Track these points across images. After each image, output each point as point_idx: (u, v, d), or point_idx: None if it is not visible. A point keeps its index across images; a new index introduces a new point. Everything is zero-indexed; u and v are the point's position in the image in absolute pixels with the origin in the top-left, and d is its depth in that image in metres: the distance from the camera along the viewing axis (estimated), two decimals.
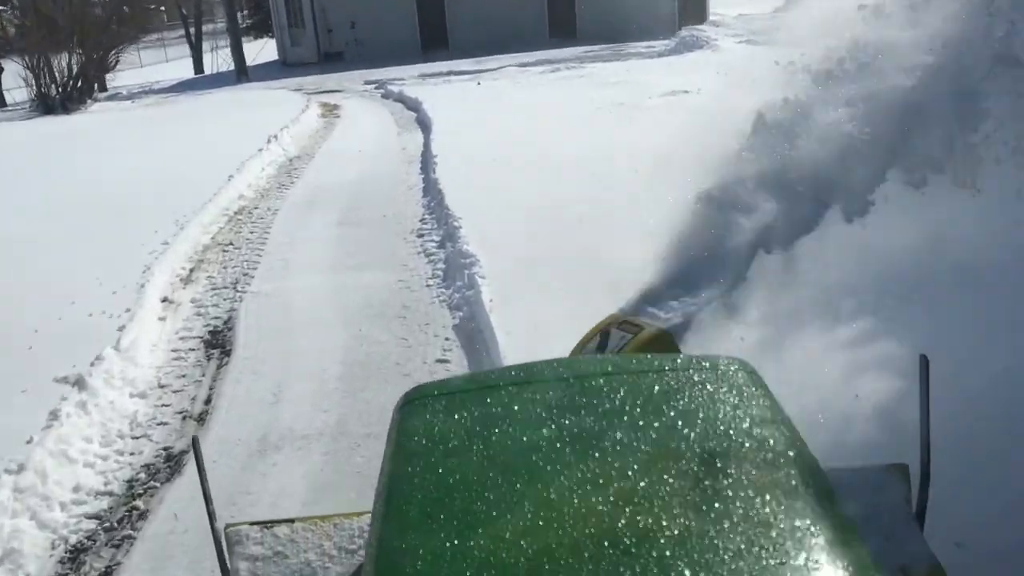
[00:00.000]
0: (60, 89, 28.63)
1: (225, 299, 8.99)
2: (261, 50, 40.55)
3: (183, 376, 7.38)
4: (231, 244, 10.80)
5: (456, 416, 2.64)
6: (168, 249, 9.90)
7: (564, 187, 10.94)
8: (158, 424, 6.63)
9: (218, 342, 8.00)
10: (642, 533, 2.07)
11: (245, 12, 47.40)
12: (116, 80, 39.41)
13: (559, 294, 7.56)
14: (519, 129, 15.03)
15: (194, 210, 11.41)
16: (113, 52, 37.46)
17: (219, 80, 35.29)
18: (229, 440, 6.29)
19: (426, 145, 15.18)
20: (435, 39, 35.49)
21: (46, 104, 28.18)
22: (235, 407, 6.80)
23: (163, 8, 51.76)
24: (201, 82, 36.24)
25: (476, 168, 12.47)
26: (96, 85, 34.04)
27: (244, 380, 7.18)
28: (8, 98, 32.31)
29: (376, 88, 26.83)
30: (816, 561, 2.02)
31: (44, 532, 5.48)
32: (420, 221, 10.89)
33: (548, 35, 35.09)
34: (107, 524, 5.57)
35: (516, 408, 2.63)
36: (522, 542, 2.09)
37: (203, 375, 7.38)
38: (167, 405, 6.92)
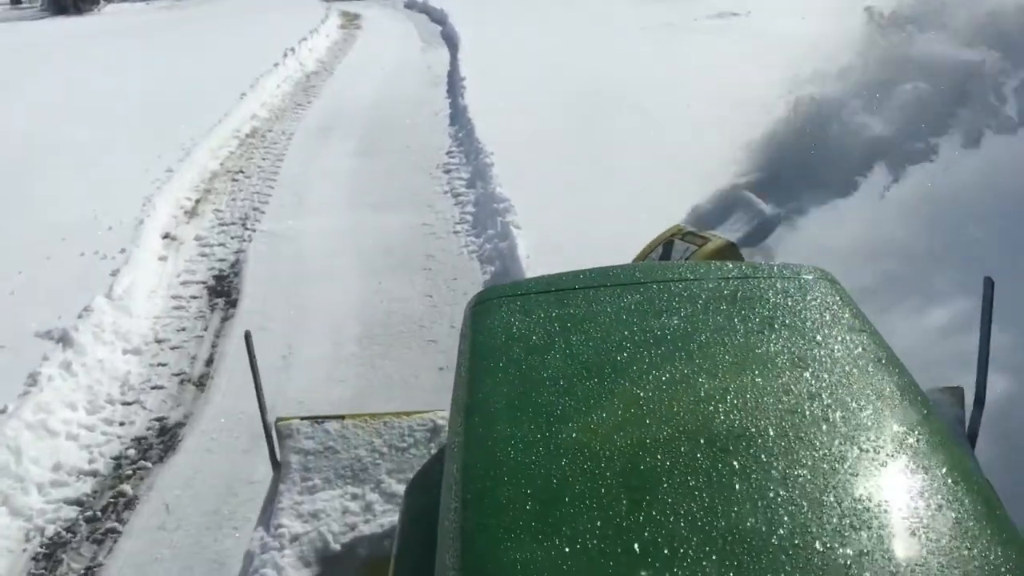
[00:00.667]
0: None
1: (232, 238, 8.15)
2: None
3: (182, 330, 6.58)
4: (241, 172, 9.92)
5: (532, 316, 2.55)
6: (172, 177, 9.04)
7: (610, 123, 9.97)
8: (152, 388, 5.86)
9: (223, 289, 7.19)
10: (737, 432, 1.99)
11: None
12: None
13: (607, 250, 6.68)
14: (557, 49, 13.94)
15: (203, 132, 10.49)
16: None
17: None
18: (232, 412, 5.53)
19: (453, 64, 14.14)
20: None
21: (58, 3, 27.00)
22: (239, 370, 6.01)
23: None
24: None
25: (510, 95, 11.47)
26: None
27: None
28: None
29: None
30: (918, 466, 1.92)
31: (17, 521, 4.75)
32: (447, 154, 9.96)
33: None
34: (89, 513, 4.85)
35: (595, 309, 2.54)
36: (616, 436, 2.01)
37: (205, 329, 6.58)
38: (163, 364, 6.13)
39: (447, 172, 9.37)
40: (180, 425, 5.46)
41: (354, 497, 3.44)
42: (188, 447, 5.27)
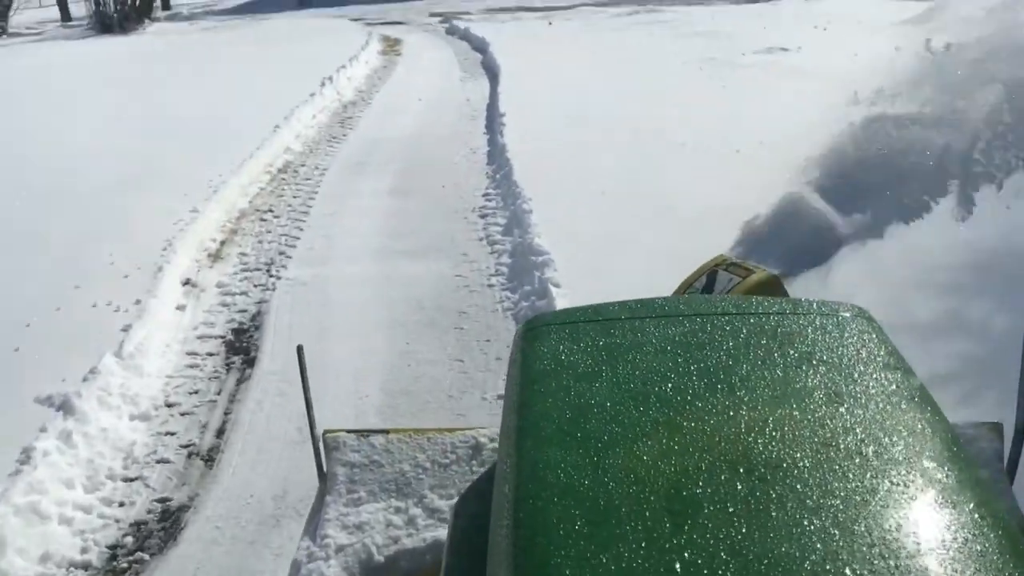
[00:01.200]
0: (118, 7, 27.35)
1: (256, 285, 7.67)
2: None
3: (195, 392, 6.09)
4: (270, 211, 9.46)
5: (581, 344, 2.64)
6: (197, 218, 8.58)
7: (655, 167, 9.41)
8: (158, 462, 5.37)
9: (242, 346, 6.70)
10: (775, 462, 2.08)
11: None
12: None
13: None
14: (596, 83, 13.40)
15: (233, 167, 10.06)
16: None
17: (281, 3, 33.79)
18: (241, 494, 5.02)
19: (492, 97, 13.64)
20: None
21: (103, 23, 26.97)
22: (252, 443, 5.51)
23: None
24: (263, 4, 34.76)
25: (549, 133, 10.93)
26: (159, 1, 32.82)
27: (266, 405, 5.88)
28: (75, 11, 31.16)
29: (441, 22, 25.19)
30: (946, 501, 1.99)
31: None
32: (483, 196, 9.43)
33: None
34: None
35: (641, 339, 2.64)
36: (660, 463, 2.11)
37: (219, 392, 6.09)
38: (172, 433, 5.64)
39: (483, 217, 8.84)
40: (184, 508, 4.96)
41: (397, 511, 3.49)
42: (191, 536, 4.77)
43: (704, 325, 2.69)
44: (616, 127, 10.77)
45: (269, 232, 8.87)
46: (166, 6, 35.97)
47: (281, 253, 8.30)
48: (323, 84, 14.25)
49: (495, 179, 9.87)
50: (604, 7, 24.59)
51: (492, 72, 15.81)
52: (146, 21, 27.78)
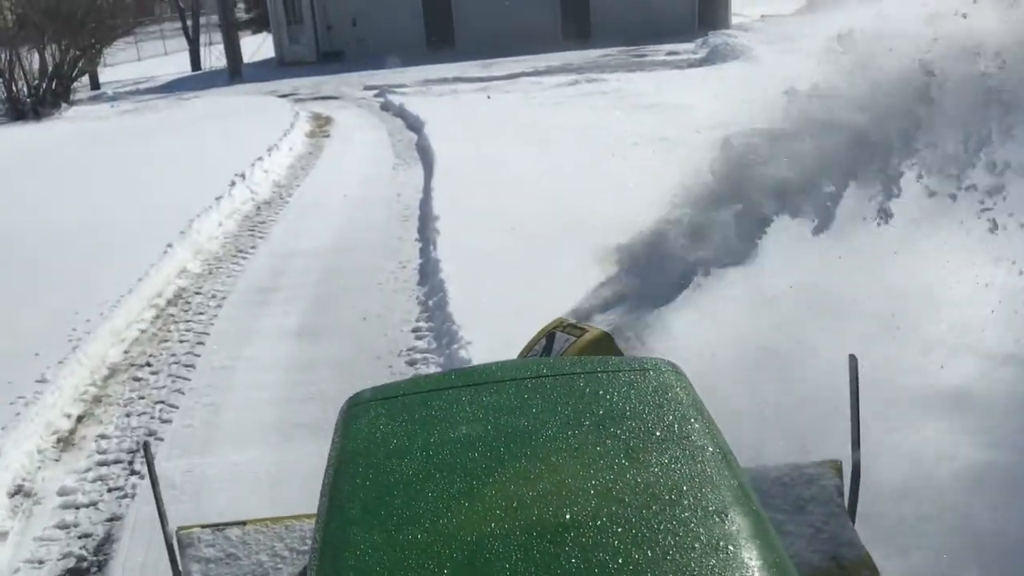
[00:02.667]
0: (32, 92, 25.18)
1: (111, 490, 5.67)
2: (260, 46, 37.08)
3: None
4: (148, 365, 7.44)
5: (398, 419, 2.65)
6: (44, 392, 6.54)
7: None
8: None
9: None
10: (568, 524, 2.15)
11: (242, 6, 43.78)
12: (110, 74, 36.28)
13: None
14: (542, 172, 11.61)
15: (107, 307, 8.03)
16: (101, 47, 34.35)
17: (212, 79, 31.85)
18: None
19: (426, 192, 11.79)
20: (441, 37, 32.02)
21: (16, 108, 24.76)
22: None
23: None
24: (193, 81, 32.82)
25: (490, 239, 9.08)
26: (85, 80, 30.73)
27: None
28: None
29: (376, 96, 23.42)
30: (727, 547, 2.08)
31: None
32: (414, 333, 7.53)
33: (561, 36, 31.57)
34: None
35: (455, 409, 2.65)
36: (459, 534, 2.15)
37: None
38: None
39: (412, 364, 6.94)
40: None
41: None
42: None
43: (517, 390, 2.71)
44: (565, 232, 8.93)
45: (142, 399, 6.85)
46: (95, 85, 33.88)
47: (152, 432, 6.29)
48: (233, 183, 12.25)
49: (427, 307, 7.98)
50: (543, 75, 22.99)
51: (427, 159, 13.99)
52: (63, 105, 25.61)
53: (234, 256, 10.16)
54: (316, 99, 24.46)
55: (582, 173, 11.28)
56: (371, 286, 8.74)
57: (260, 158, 13.93)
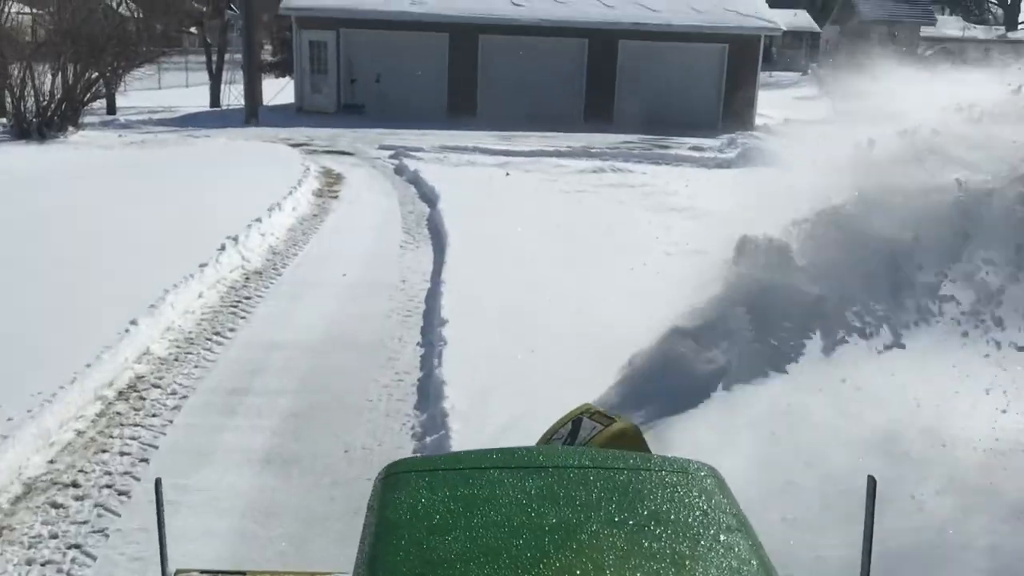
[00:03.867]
0: (41, 112, 23.85)
1: None
2: (281, 90, 35.99)
3: None
4: (74, 486, 5.87)
5: (439, 493, 2.59)
6: None
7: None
8: None
9: None
10: None
11: (270, 47, 42.88)
12: (129, 98, 35.21)
13: None
14: (567, 277, 10.15)
15: (37, 402, 6.48)
16: (122, 72, 33.31)
17: (228, 118, 30.65)
18: None
19: (434, 283, 10.35)
20: (463, 105, 30.93)
21: (20, 127, 23.42)
22: None
23: (195, 31, 47.17)
24: (209, 118, 31.64)
25: (506, 361, 7.57)
26: (102, 102, 29.55)
27: None
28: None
29: (391, 157, 22.13)
30: None
31: None
32: None
33: (583, 118, 30.55)
34: None
35: (498, 491, 2.59)
36: None
37: None
38: None
39: None
40: None
41: None
42: None
43: (559, 478, 2.66)
44: (598, 362, 7.42)
45: (53, 538, 5.28)
46: (111, 110, 32.71)
47: None
48: (223, 248, 10.76)
49: (424, 445, 6.45)
50: (565, 158, 21.74)
51: (438, 240, 12.58)
52: (70, 129, 24.27)
53: (208, 339, 8.62)
54: (330, 152, 23.19)
55: (613, 284, 9.78)
56: (360, 404, 7.21)
57: (259, 219, 12.47)
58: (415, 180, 18.40)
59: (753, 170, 19.97)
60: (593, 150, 23.20)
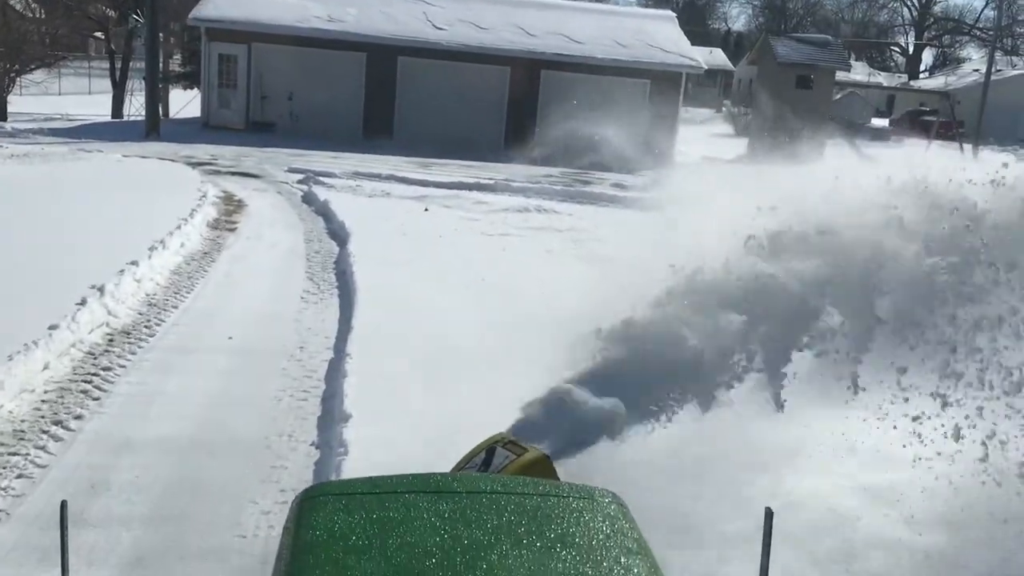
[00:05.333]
0: None
1: None
2: (190, 102, 33.45)
3: None
4: None
5: (355, 516, 2.61)
6: None
7: None
8: None
9: None
10: None
11: (178, 58, 40.16)
12: (25, 103, 32.32)
13: None
14: (504, 353, 8.39)
15: None
16: (14, 75, 30.54)
17: (128, 131, 28.09)
18: None
19: (338, 353, 8.53)
20: (380, 127, 29.07)
21: None
22: None
23: (101, 36, 43.86)
24: (108, 130, 29.02)
25: (425, 466, 5.83)
26: None
27: None
28: None
29: (300, 182, 20.14)
30: None
31: None
32: None
33: (504, 146, 29.00)
34: None
35: (412, 514, 2.62)
36: None
37: None
38: None
39: None
40: None
41: None
42: None
43: (472, 503, 2.69)
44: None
45: None
46: (1, 115, 29.87)
47: None
48: (84, 302, 8.69)
49: None
50: (486, 192, 20.11)
51: (346, 294, 10.74)
52: None
53: (44, 433, 6.59)
54: (234, 174, 21.03)
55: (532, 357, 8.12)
56: (227, 544, 5.36)
57: (135, 262, 10.42)
58: (324, 212, 16.49)
59: (679, 216, 18.71)
60: (515, 183, 21.64)
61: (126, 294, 9.69)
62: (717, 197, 19.55)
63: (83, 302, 8.69)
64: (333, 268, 12.30)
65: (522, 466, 4.37)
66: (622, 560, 2.46)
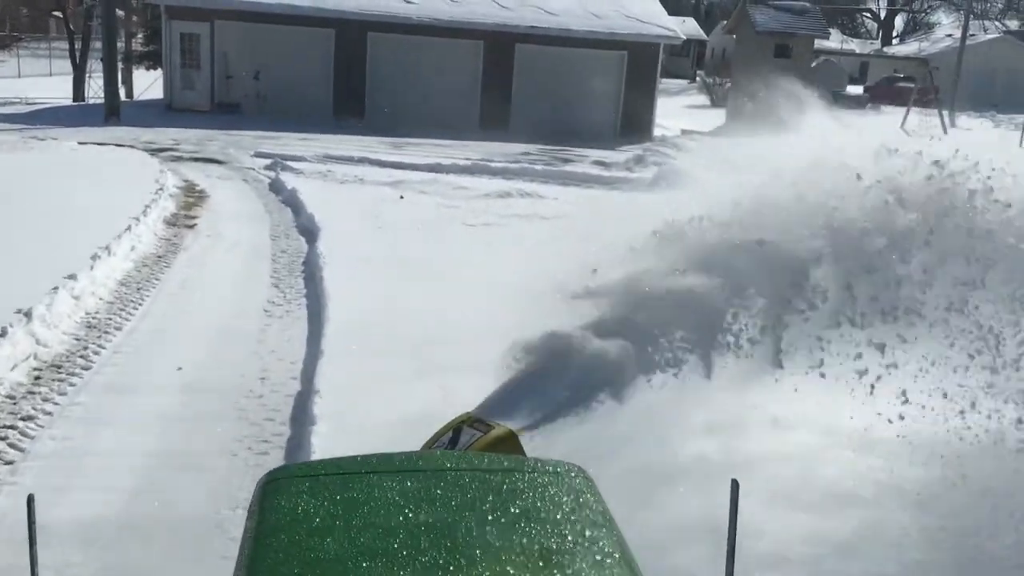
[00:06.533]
0: None
1: None
2: (153, 83, 31.50)
3: None
4: None
5: (320, 497, 2.55)
6: None
7: None
8: None
9: None
10: None
11: (140, 38, 37.98)
12: None
13: None
14: (462, 360, 7.04)
15: None
16: None
17: (87, 115, 26.22)
18: None
19: (305, 386, 7.11)
20: (350, 106, 27.41)
21: None
22: None
23: (61, 15, 41.41)
24: (66, 114, 27.14)
25: None
26: None
27: None
28: None
29: (267, 168, 18.55)
30: None
31: None
32: None
33: (479, 123, 27.47)
34: None
35: (376, 494, 2.57)
36: None
37: None
38: None
39: None
40: None
41: None
42: None
43: (436, 481, 2.63)
44: None
45: None
46: None
47: None
48: (3, 332, 7.22)
49: None
50: (464, 175, 18.60)
51: (316, 303, 9.29)
52: None
53: None
54: (197, 160, 19.40)
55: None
56: None
57: (74, 275, 8.88)
58: (293, 202, 14.95)
59: (672, 195, 17.34)
60: (494, 164, 20.13)
61: (60, 315, 8.18)
62: (707, 176, 18.01)
63: (3, 332, 7.17)
64: (301, 271, 10.82)
65: (488, 443, 4.31)
66: (587, 533, 2.46)
